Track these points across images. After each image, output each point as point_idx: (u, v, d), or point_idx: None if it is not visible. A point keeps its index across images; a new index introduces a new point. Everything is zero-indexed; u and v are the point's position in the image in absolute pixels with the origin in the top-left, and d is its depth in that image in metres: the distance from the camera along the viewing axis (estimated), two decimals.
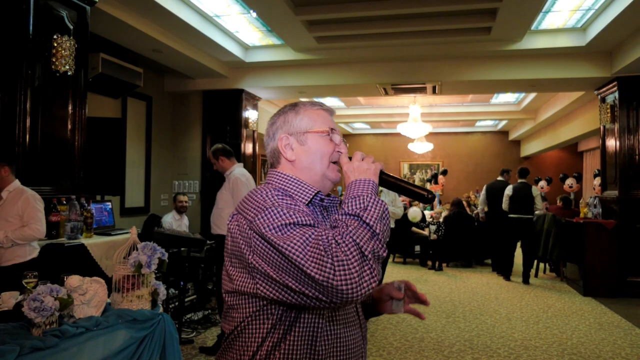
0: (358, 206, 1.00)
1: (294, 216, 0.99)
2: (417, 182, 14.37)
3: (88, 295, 2.17)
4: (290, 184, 1.15)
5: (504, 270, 7.16)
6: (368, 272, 0.91)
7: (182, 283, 4.63)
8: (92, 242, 3.36)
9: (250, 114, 7.11)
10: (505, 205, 7.02)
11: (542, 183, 9.84)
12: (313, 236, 0.94)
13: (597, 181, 6.98)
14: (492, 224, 7.47)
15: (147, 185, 6.56)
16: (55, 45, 3.47)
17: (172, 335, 2.41)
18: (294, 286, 0.94)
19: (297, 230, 0.96)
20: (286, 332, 1.04)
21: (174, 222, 5.70)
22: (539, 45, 5.69)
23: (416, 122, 8.59)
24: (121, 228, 4.08)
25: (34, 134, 3.39)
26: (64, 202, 3.42)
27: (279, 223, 0.98)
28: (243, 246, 1.02)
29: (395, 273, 7.56)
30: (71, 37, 3.58)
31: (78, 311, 2.13)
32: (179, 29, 5.16)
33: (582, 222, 6.21)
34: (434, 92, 7.01)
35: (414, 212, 8.24)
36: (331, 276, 0.89)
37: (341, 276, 0.89)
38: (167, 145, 7.07)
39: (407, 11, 4.91)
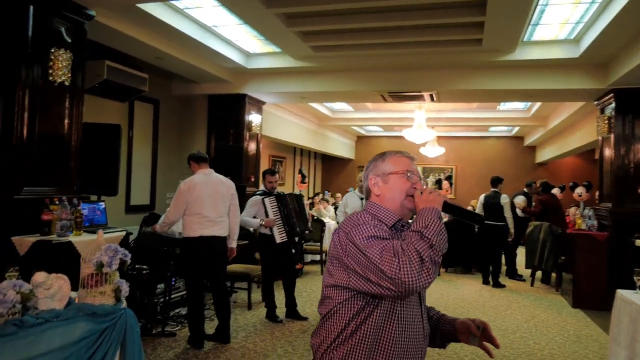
0: (421, 225, 1.36)
1: (376, 232, 1.41)
2: (430, 185, 14.39)
3: (52, 290, 2.43)
4: (380, 211, 1.54)
5: (483, 275, 7.47)
6: (425, 271, 1.28)
7: (173, 280, 4.93)
8: (79, 240, 3.64)
9: (253, 118, 7.36)
10: (479, 212, 7.11)
11: (556, 190, 9.64)
12: (387, 245, 1.33)
13: (579, 190, 7.14)
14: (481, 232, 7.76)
15: (153, 183, 6.89)
16: (52, 58, 3.78)
17: (133, 329, 2.65)
18: (373, 279, 1.33)
19: (377, 241, 1.37)
20: (367, 316, 1.43)
21: None
22: (533, 57, 5.71)
23: (420, 129, 8.66)
24: (113, 227, 4.36)
25: (31, 137, 3.70)
26: (57, 202, 3.72)
27: (366, 235, 1.39)
28: (341, 251, 1.43)
29: None
30: (67, 50, 3.88)
31: (42, 304, 2.39)
32: (179, 39, 5.43)
33: (575, 233, 6.21)
34: (432, 99, 7.09)
35: None
36: (397, 271, 1.27)
37: (405, 272, 1.26)
38: (174, 146, 7.40)
39: (395, 24, 5.02)
